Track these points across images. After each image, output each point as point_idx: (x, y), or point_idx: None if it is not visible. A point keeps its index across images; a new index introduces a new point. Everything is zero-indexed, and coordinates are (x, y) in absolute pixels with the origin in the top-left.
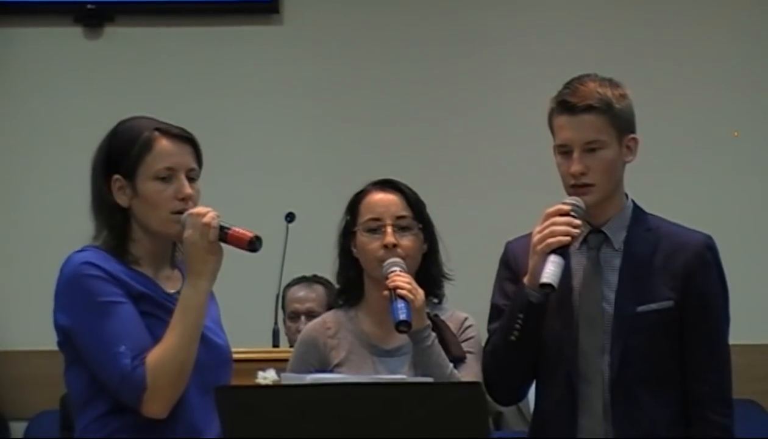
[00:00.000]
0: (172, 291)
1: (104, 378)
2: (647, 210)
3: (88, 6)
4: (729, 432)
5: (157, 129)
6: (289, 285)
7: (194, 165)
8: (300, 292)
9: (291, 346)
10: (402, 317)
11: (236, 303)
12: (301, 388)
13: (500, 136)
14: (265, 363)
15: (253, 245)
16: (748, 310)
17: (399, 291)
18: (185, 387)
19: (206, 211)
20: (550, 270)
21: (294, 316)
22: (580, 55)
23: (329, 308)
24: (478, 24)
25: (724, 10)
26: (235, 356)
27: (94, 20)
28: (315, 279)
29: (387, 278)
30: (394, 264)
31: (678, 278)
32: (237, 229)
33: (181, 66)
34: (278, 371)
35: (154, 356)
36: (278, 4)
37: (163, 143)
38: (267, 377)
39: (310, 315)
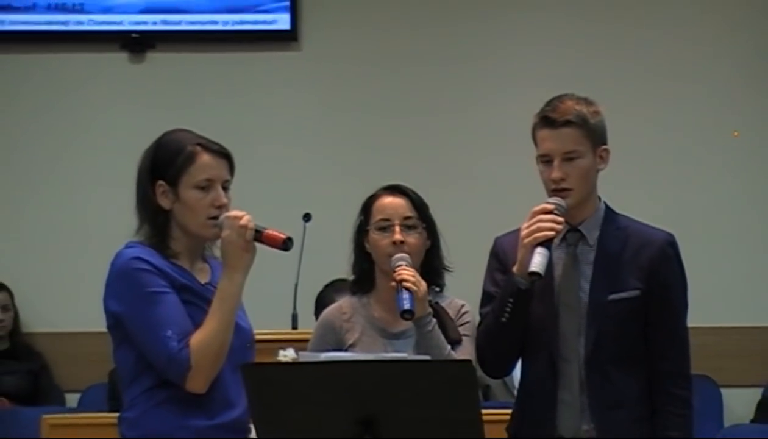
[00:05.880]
0: (203, 282)
1: (152, 358)
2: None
3: (133, 35)
4: (688, 404)
5: (199, 144)
6: (333, 291)
7: (228, 177)
8: None
9: None
10: (406, 306)
11: (261, 292)
12: (316, 364)
13: (494, 150)
14: (285, 343)
15: (286, 244)
16: (702, 297)
17: (404, 283)
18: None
19: (242, 215)
20: (538, 260)
21: None
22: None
23: None
24: (489, 43)
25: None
26: (259, 337)
27: (137, 47)
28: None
29: (394, 271)
30: (401, 259)
31: (644, 271)
32: (270, 231)
33: (213, 86)
34: (296, 350)
35: (197, 339)
36: (297, 33)
37: (205, 158)
38: (287, 355)
39: None
